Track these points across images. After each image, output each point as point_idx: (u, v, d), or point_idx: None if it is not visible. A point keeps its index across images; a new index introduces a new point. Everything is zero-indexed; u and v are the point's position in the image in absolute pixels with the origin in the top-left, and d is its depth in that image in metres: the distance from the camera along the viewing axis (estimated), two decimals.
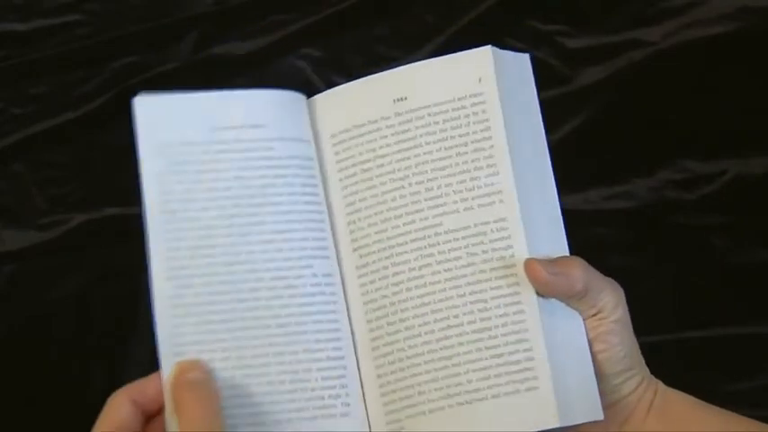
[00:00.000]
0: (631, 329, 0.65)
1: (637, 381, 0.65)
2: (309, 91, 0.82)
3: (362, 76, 0.88)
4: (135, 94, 0.88)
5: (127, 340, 0.82)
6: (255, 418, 0.65)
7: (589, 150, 0.84)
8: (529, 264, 0.64)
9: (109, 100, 0.88)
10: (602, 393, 0.65)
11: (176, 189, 0.67)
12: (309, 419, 0.64)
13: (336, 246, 0.68)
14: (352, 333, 0.66)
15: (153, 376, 0.63)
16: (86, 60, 0.89)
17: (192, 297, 0.66)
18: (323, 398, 0.65)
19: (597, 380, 0.65)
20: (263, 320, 0.66)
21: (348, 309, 0.67)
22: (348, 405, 0.65)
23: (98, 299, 0.83)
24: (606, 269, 0.81)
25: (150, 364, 0.80)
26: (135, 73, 0.89)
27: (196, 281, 0.66)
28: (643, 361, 0.67)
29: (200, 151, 0.67)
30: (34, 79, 0.89)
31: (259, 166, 0.68)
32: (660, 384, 0.67)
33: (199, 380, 0.62)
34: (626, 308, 0.65)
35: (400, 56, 0.89)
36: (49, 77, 0.89)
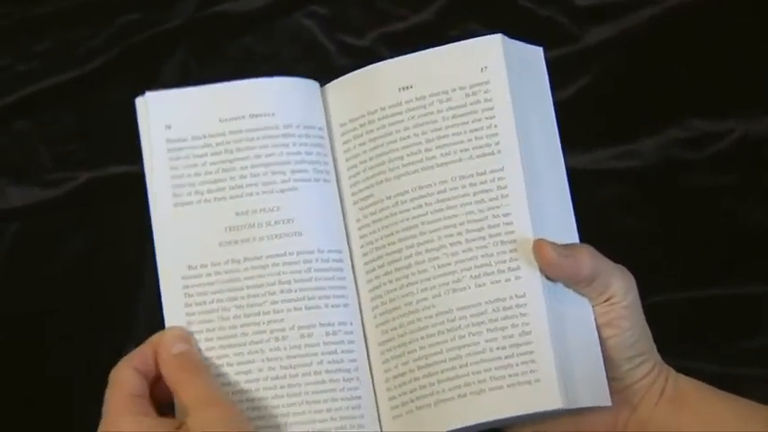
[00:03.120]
0: (642, 315, 0.66)
1: (648, 367, 0.66)
2: (317, 50, 0.82)
3: (369, 35, 0.88)
4: (139, 51, 0.88)
5: (133, 297, 0.82)
6: (256, 405, 0.65)
7: (596, 109, 0.84)
8: (538, 244, 0.64)
9: (113, 57, 0.88)
10: (612, 378, 0.65)
11: (195, 181, 0.67)
12: (319, 411, 0.64)
13: (347, 230, 0.68)
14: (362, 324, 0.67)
15: (150, 342, 0.64)
16: (90, 17, 0.89)
17: (213, 294, 0.66)
18: (334, 390, 0.65)
19: (606, 366, 0.65)
20: (277, 305, 0.66)
21: (359, 303, 0.67)
22: (359, 398, 0.65)
23: (104, 256, 0.84)
24: (612, 228, 0.82)
25: (157, 320, 0.81)
26: (139, 30, 0.88)
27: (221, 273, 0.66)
28: (654, 348, 0.67)
29: (215, 143, 0.67)
30: (38, 36, 0.89)
31: (280, 153, 0.68)
32: (672, 371, 0.67)
33: (184, 352, 0.64)
34: (636, 294, 0.66)
35: (407, 14, 0.88)
36: (54, 34, 0.89)
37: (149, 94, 0.68)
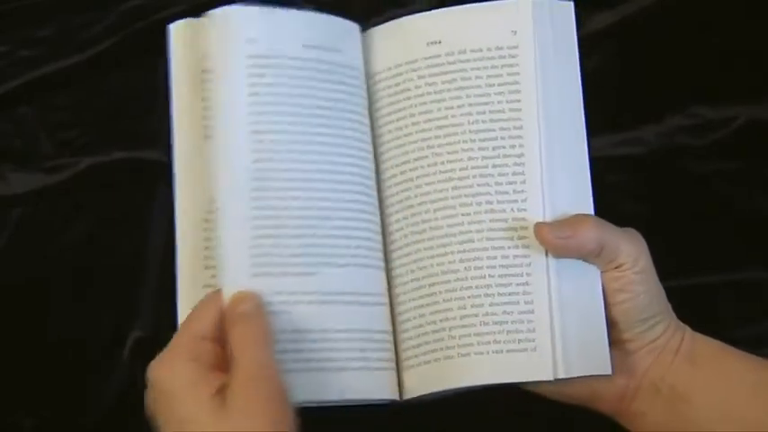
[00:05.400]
0: (655, 277, 0.66)
1: (663, 326, 0.66)
2: None
3: (371, 22, 0.88)
4: (141, 37, 0.88)
5: (135, 283, 0.82)
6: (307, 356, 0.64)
7: (598, 96, 0.84)
8: (538, 228, 0.64)
9: (116, 43, 0.88)
10: (627, 340, 0.65)
11: (268, 101, 0.65)
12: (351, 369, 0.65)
13: (378, 180, 0.69)
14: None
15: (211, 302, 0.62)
16: (92, 3, 0.89)
17: (268, 219, 0.64)
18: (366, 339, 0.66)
19: (620, 329, 0.65)
20: (322, 238, 0.66)
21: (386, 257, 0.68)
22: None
23: (106, 242, 0.84)
24: (615, 216, 0.82)
25: (157, 306, 0.81)
26: (142, 16, 0.88)
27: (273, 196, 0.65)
28: (670, 307, 0.67)
29: (295, 66, 0.66)
30: (41, 22, 0.89)
31: (342, 90, 0.68)
32: (688, 330, 0.67)
33: (249, 312, 0.60)
34: (649, 257, 0.66)
35: (408, 1, 0.88)
36: (56, 20, 0.89)
37: (234, 6, 0.67)
